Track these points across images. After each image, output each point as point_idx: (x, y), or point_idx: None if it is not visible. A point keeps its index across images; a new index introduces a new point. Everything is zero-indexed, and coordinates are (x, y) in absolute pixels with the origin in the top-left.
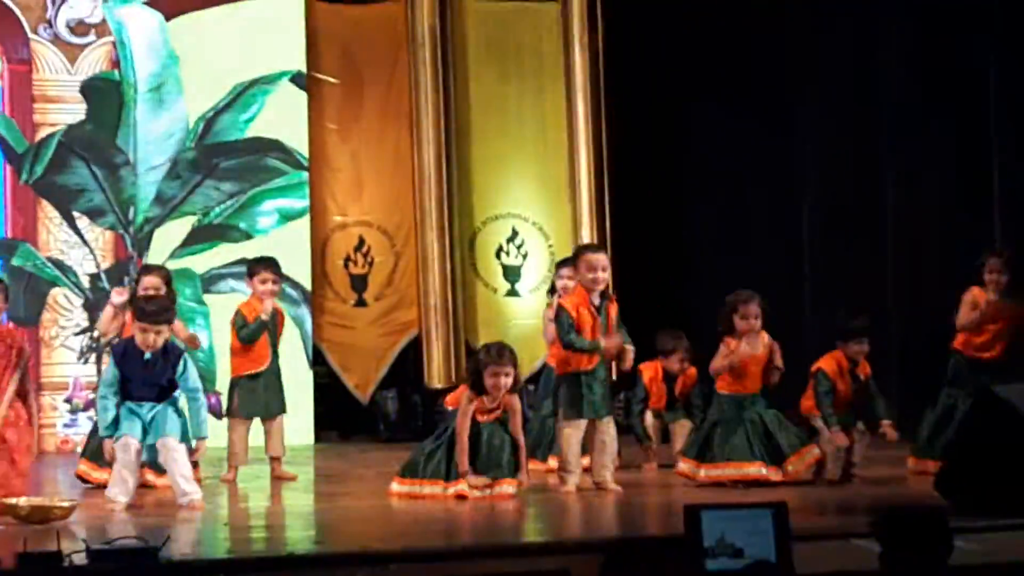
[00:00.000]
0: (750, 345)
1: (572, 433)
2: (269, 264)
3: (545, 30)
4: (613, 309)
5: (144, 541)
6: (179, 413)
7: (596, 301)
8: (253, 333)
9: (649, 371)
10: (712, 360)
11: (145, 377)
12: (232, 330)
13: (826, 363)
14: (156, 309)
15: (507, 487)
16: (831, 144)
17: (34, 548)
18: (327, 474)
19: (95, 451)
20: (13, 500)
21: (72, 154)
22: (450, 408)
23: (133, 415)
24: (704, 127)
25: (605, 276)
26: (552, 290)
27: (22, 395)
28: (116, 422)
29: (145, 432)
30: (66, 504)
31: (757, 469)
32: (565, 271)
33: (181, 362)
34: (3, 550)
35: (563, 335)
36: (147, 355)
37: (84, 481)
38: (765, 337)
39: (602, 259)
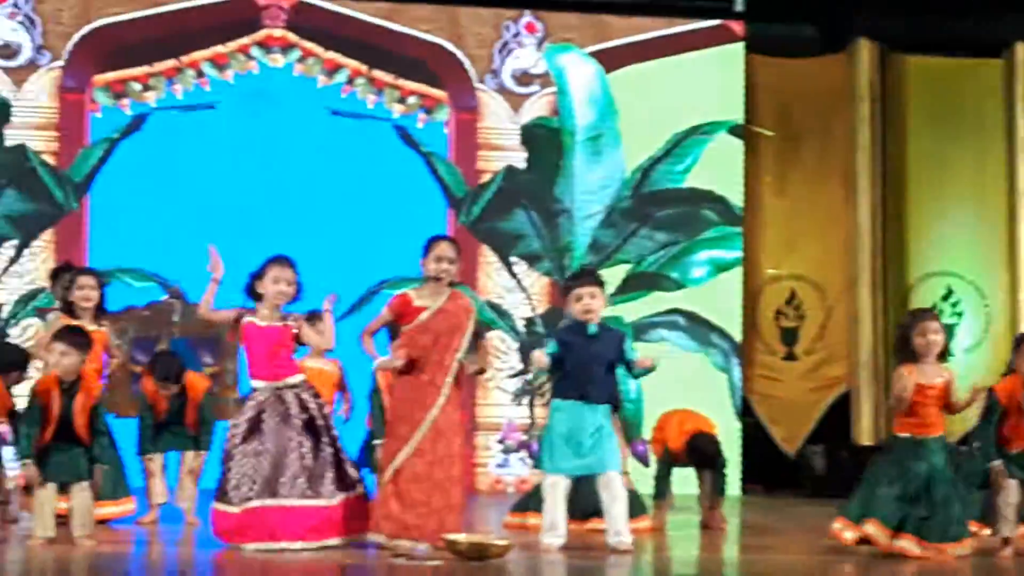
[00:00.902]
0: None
1: None
2: None
3: (987, 87)
4: None
5: None
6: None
7: None
8: None
9: None
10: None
11: None
12: None
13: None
14: None
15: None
16: None
17: None
18: (753, 526)
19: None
20: (452, 536)
21: (511, 200)
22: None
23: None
24: None
25: None
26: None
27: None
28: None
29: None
30: (503, 543)
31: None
32: None
33: None
34: None
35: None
36: None
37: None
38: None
39: None
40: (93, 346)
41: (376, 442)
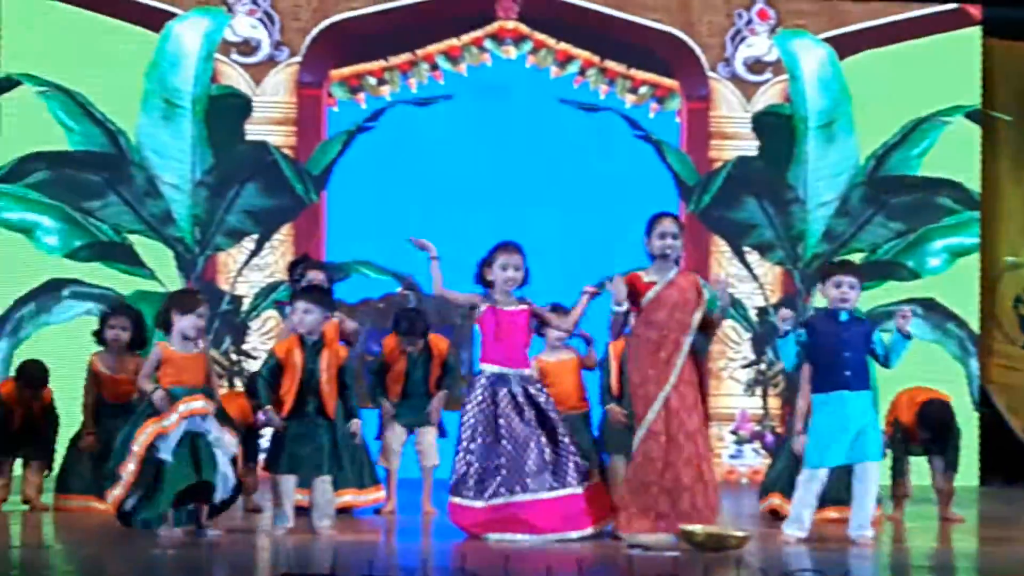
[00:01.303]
0: None
1: None
2: None
3: None
4: None
5: (824, 574)
6: None
7: None
8: None
9: None
10: None
11: None
12: None
13: None
14: None
15: None
16: None
17: None
18: (992, 517)
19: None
20: (690, 527)
21: (743, 189)
22: None
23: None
24: None
25: None
26: None
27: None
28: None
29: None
30: (741, 534)
31: None
32: None
33: None
34: (682, 575)
35: None
36: None
37: (776, 516)
38: None
39: None
40: (334, 305)
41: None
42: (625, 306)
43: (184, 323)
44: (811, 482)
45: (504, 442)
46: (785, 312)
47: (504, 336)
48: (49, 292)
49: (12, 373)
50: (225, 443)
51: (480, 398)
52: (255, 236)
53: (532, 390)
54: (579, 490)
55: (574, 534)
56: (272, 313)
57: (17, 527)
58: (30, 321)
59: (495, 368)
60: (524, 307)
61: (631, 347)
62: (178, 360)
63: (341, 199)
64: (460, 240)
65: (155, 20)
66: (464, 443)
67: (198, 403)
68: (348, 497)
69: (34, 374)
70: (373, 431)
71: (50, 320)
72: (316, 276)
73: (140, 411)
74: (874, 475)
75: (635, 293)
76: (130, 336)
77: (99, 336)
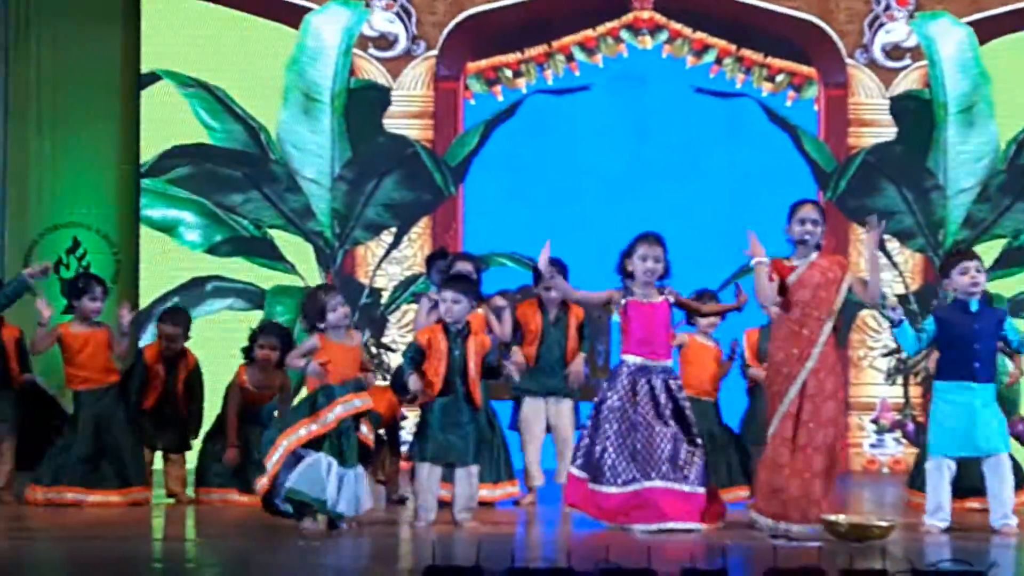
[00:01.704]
0: None
1: None
2: None
3: None
4: None
5: (969, 564)
6: None
7: None
8: None
9: None
10: None
11: None
12: None
13: None
14: None
15: None
16: None
17: (859, 566)
18: None
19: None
20: (833, 517)
21: (881, 176)
22: None
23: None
24: None
25: None
26: None
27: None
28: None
29: None
30: (884, 524)
31: None
32: None
33: None
34: (826, 565)
35: None
36: None
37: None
38: None
39: None
40: (480, 296)
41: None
42: (765, 260)
43: (333, 316)
44: (939, 470)
45: (641, 430)
46: (892, 300)
47: (646, 329)
48: (192, 287)
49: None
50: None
51: (621, 387)
52: (393, 229)
53: (672, 384)
54: (701, 490)
55: (700, 527)
56: (412, 306)
57: (160, 520)
58: None
59: (637, 359)
60: (665, 298)
61: (774, 327)
62: (335, 350)
63: (478, 191)
64: (597, 230)
65: (294, 17)
66: (600, 429)
67: (356, 402)
68: (484, 492)
69: (179, 312)
70: (507, 422)
71: (193, 315)
72: (464, 267)
73: (298, 405)
74: (1006, 465)
75: (779, 274)
76: (278, 356)
77: (248, 354)
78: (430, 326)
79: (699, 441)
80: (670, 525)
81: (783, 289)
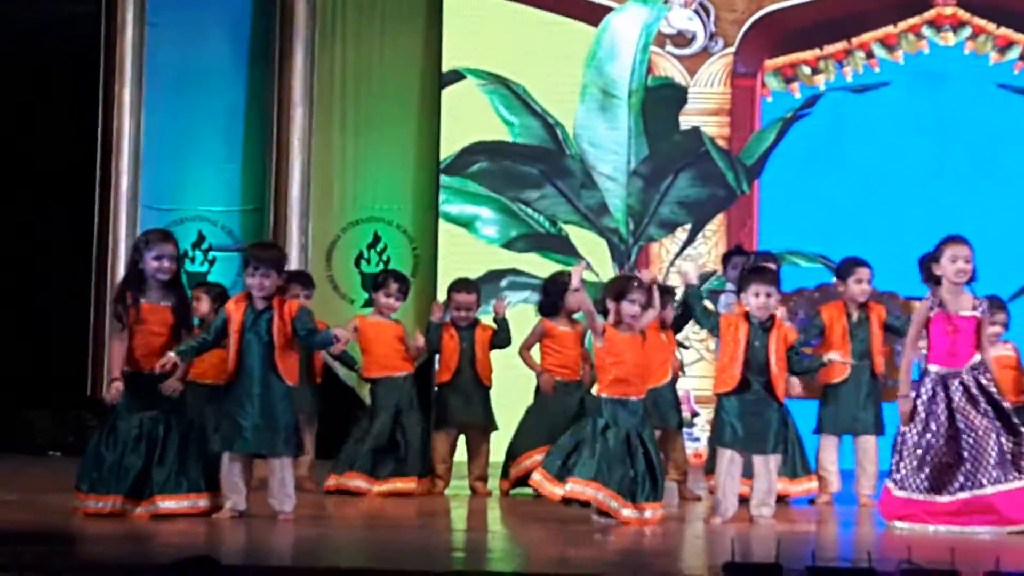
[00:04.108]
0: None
1: None
2: None
3: None
4: None
5: None
6: None
7: None
8: None
9: None
10: None
11: None
12: None
13: None
14: None
15: None
16: None
17: None
18: None
19: None
20: None
21: None
22: None
23: None
24: None
25: None
26: None
27: None
28: None
29: None
30: None
31: None
32: None
33: None
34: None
35: None
36: None
37: None
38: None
39: None
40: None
41: None
42: None
43: (625, 309)
44: None
45: (965, 436)
46: None
47: (953, 340)
48: (488, 281)
49: None
50: None
51: (930, 394)
52: (687, 226)
53: (983, 380)
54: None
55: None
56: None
57: (463, 511)
58: None
59: (943, 369)
60: (976, 315)
61: None
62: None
63: (774, 188)
64: (894, 230)
65: (595, 15)
66: (914, 438)
67: None
68: (780, 486)
69: (470, 282)
70: (811, 424)
71: (488, 309)
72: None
73: None
74: None
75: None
76: None
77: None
78: (734, 313)
79: (1023, 431)
80: (1003, 529)
81: None
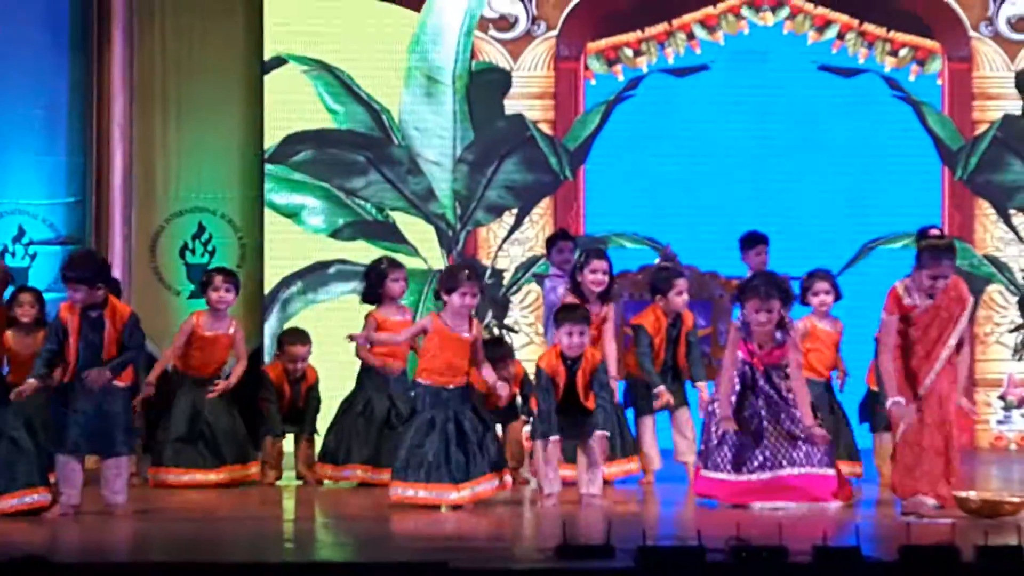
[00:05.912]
0: None
1: None
2: None
3: None
4: None
5: None
6: None
7: None
8: None
9: None
10: None
11: None
12: None
13: None
14: None
15: None
16: None
17: (994, 542)
18: None
19: None
20: (964, 493)
21: (1007, 150)
22: None
23: None
24: None
25: None
26: None
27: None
28: None
29: None
30: (1016, 500)
31: None
32: None
33: None
34: (960, 542)
35: None
36: None
37: None
38: None
39: None
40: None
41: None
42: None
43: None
44: None
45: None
46: None
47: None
48: (315, 271)
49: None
50: None
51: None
52: (515, 210)
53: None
54: (831, 471)
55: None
56: (533, 286)
57: (291, 502)
58: (298, 299)
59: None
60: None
61: None
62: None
63: (599, 171)
64: (720, 210)
65: (418, 0)
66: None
67: None
68: (610, 469)
69: (303, 332)
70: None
71: (316, 299)
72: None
73: None
74: None
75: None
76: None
77: None
78: (551, 351)
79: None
80: (808, 505)
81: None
